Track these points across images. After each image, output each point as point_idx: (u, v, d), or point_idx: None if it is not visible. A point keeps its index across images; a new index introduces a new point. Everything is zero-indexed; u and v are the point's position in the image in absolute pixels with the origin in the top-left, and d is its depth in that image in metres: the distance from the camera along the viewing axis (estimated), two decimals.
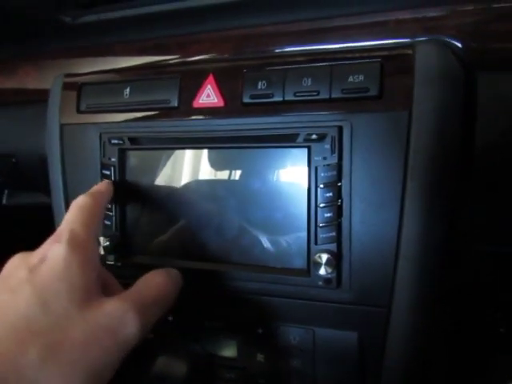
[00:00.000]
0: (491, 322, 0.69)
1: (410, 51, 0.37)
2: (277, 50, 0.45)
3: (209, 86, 0.42)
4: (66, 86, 0.51)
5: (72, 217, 0.38)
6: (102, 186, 0.44)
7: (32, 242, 0.79)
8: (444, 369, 0.56)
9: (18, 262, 0.35)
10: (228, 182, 0.44)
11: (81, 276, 0.33)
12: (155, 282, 0.38)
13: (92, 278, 0.34)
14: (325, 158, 0.38)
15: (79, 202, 0.40)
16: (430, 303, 0.39)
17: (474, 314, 0.67)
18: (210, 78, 0.42)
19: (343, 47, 0.41)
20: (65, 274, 0.33)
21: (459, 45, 0.38)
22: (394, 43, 0.39)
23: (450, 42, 0.38)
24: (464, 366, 0.66)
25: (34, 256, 0.35)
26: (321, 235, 0.39)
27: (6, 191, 0.73)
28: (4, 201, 0.73)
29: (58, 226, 0.50)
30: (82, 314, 0.32)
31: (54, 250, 0.34)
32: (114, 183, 0.46)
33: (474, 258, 0.53)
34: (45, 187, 0.54)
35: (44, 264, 0.33)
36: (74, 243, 0.35)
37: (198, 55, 0.48)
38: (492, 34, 0.38)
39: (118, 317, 0.33)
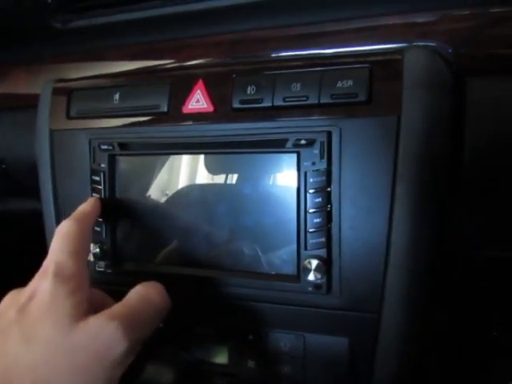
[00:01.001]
0: (485, 327, 0.69)
1: (398, 56, 0.37)
2: (268, 55, 0.45)
3: (198, 91, 0.42)
4: (56, 92, 0.50)
5: (57, 246, 0.37)
6: (88, 206, 0.43)
7: (23, 248, 0.78)
8: (438, 374, 0.56)
9: (9, 302, 0.36)
10: (218, 188, 0.44)
11: (67, 305, 0.33)
12: (146, 293, 0.37)
13: (79, 302, 0.34)
14: (314, 164, 0.38)
15: (64, 229, 0.39)
16: (421, 308, 0.39)
17: (468, 318, 0.67)
18: (200, 83, 0.42)
19: (334, 52, 0.41)
20: (51, 306, 0.33)
21: (449, 50, 0.38)
22: (383, 49, 0.39)
23: (439, 48, 0.38)
24: (458, 371, 0.66)
25: (24, 294, 0.35)
26: (310, 241, 0.38)
27: None
28: None
29: (49, 232, 0.51)
30: (68, 339, 0.32)
31: (42, 286, 0.34)
32: (101, 200, 0.45)
33: (468, 262, 0.53)
34: (35, 193, 0.54)
35: (32, 302, 0.34)
36: (61, 276, 0.34)
37: (190, 60, 0.48)
38: (482, 39, 0.38)
39: (105, 338, 0.32)
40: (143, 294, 0.37)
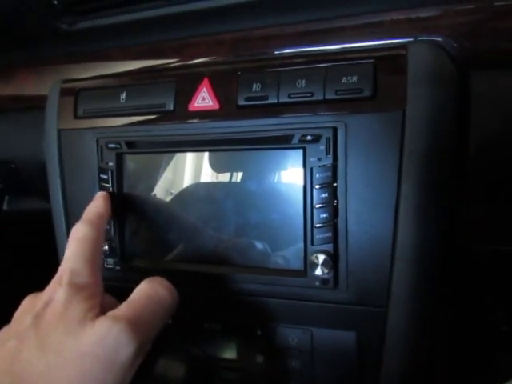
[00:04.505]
0: (493, 321, 0.69)
1: (402, 51, 0.37)
2: (272, 53, 0.45)
3: (204, 90, 0.43)
4: (64, 92, 0.51)
5: (73, 252, 0.38)
6: (100, 207, 0.43)
7: (32, 248, 0.79)
8: (445, 367, 0.56)
9: (26, 307, 0.37)
10: (224, 185, 0.44)
11: (78, 311, 0.34)
12: (152, 290, 0.37)
13: (90, 307, 0.34)
14: (320, 159, 0.38)
15: (78, 234, 0.39)
16: (428, 302, 0.39)
17: (476, 312, 0.67)
18: (206, 81, 0.43)
19: (338, 48, 0.41)
20: (63, 314, 0.33)
21: (453, 44, 0.38)
22: (388, 44, 0.39)
23: (443, 42, 0.38)
24: (466, 365, 0.66)
25: (40, 300, 0.36)
26: (317, 236, 0.39)
27: (7, 197, 0.74)
28: (4, 206, 0.73)
29: (58, 231, 0.52)
30: (76, 344, 0.32)
31: (56, 295, 0.35)
32: (111, 196, 0.45)
33: (475, 256, 0.53)
34: (44, 192, 0.54)
35: (47, 309, 0.34)
36: (75, 284, 0.35)
37: (194, 59, 0.48)
38: (485, 33, 0.38)
39: (111, 341, 0.32)
40: (149, 291, 0.37)
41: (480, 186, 0.43)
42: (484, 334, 0.69)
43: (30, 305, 0.36)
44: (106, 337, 0.32)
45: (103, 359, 0.31)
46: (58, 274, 0.37)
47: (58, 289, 0.35)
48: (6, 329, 0.36)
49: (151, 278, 0.38)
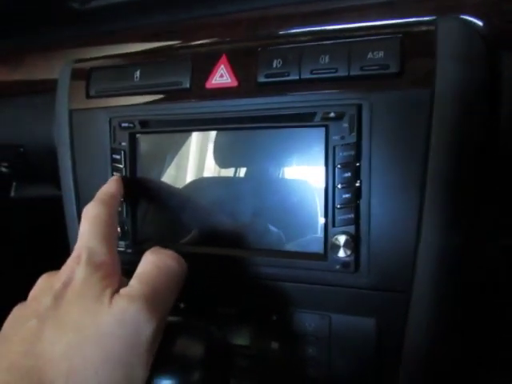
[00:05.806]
0: (506, 318, 0.68)
1: (431, 27, 0.36)
2: (290, 32, 0.44)
3: (222, 66, 0.41)
4: (75, 72, 0.50)
5: (87, 232, 0.37)
6: (112, 188, 0.42)
7: (40, 234, 0.78)
8: (461, 359, 0.54)
9: (44, 286, 0.35)
10: (242, 165, 0.43)
11: (96, 289, 0.33)
12: (161, 262, 0.35)
13: (108, 285, 0.33)
14: (343, 138, 0.37)
15: (91, 213, 0.38)
16: (452, 289, 0.38)
17: (488, 309, 0.66)
18: (224, 58, 0.41)
19: (361, 26, 0.40)
20: (82, 292, 0.33)
21: (480, 23, 0.37)
22: (416, 20, 0.38)
23: (470, 20, 0.37)
24: (479, 361, 0.65)
25: (58, 279, 0.34)
26: (339, 217, 0.37)
27: (14, 183, 0.73)
28: (12, 193, 0.72)
29: (69, 214, 0.51)
30: (96, 324, 0.31)
31: (76, 274, 0.34)
32: (123, 178, 0.44)
33: (494, 251, 0.51)
34: (53, 178, 0.53)
35: (68, 289, 0.33)
36: (94, 263, 0.34)
37: (210, 39, 0.47)
38: None
39: (131, 322, 0.31)
40: (158, 262, 0.35)
41: (506, 175, 0.42)
42: (496, 331, 0.67)
43: (46, 284, 0.35)
44: (124, 317, 0.31)
45: (125, 341, 0.31)
46: (74, 253, 0.36)
47: (76, 268, 0.34)
48: (22, 306, 0.35)
49: (155, 249, 0.37)
